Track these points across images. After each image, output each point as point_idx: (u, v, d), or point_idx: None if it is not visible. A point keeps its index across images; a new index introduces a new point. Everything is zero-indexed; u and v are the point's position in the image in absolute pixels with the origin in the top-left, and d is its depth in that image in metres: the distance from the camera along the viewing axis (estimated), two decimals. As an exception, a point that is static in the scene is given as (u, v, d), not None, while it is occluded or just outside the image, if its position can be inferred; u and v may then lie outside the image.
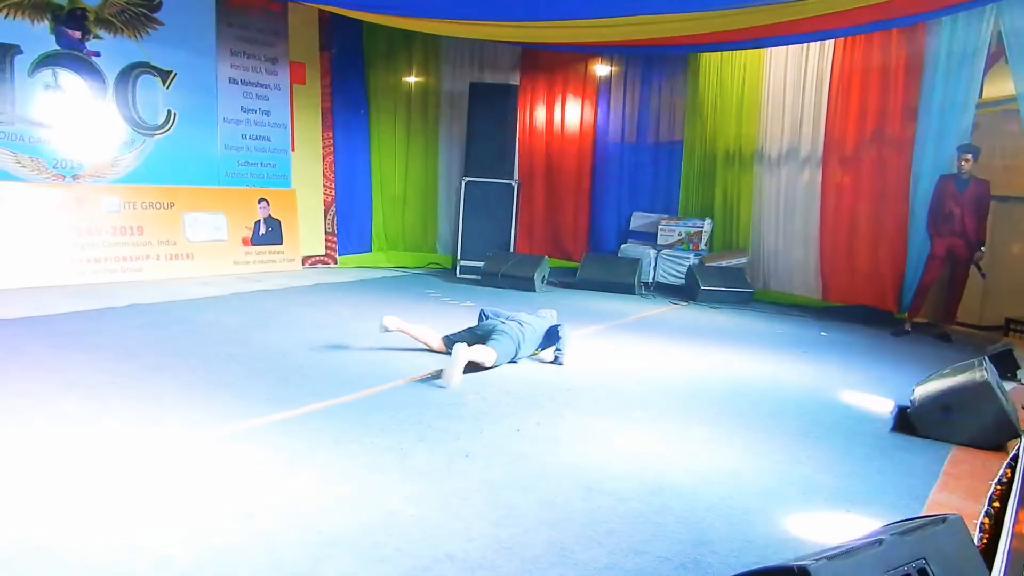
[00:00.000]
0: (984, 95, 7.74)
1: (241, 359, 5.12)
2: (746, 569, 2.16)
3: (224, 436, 3.68)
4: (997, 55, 7.59)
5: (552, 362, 5.52)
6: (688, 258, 9.61)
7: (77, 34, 7.78)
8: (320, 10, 9.66)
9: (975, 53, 7.53)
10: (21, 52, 7.42)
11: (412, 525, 2.89)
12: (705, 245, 9.83)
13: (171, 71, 8.57)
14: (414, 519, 2.94)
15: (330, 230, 10.33)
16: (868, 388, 5.46)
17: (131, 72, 8.25)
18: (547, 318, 5.87)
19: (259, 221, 9.31)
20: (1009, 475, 3.82)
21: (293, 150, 9.87)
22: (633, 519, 3.07)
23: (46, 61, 7.60)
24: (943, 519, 2.33)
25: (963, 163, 7.30)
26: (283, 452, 3.52)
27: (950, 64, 7.71)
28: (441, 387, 4.70)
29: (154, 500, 2.95)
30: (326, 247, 10.28)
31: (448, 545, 2.75)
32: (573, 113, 10.94)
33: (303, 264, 9.83)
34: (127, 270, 8.02)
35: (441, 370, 4.88)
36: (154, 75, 8.44)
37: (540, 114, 11.12)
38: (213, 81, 8.97)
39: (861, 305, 8.45)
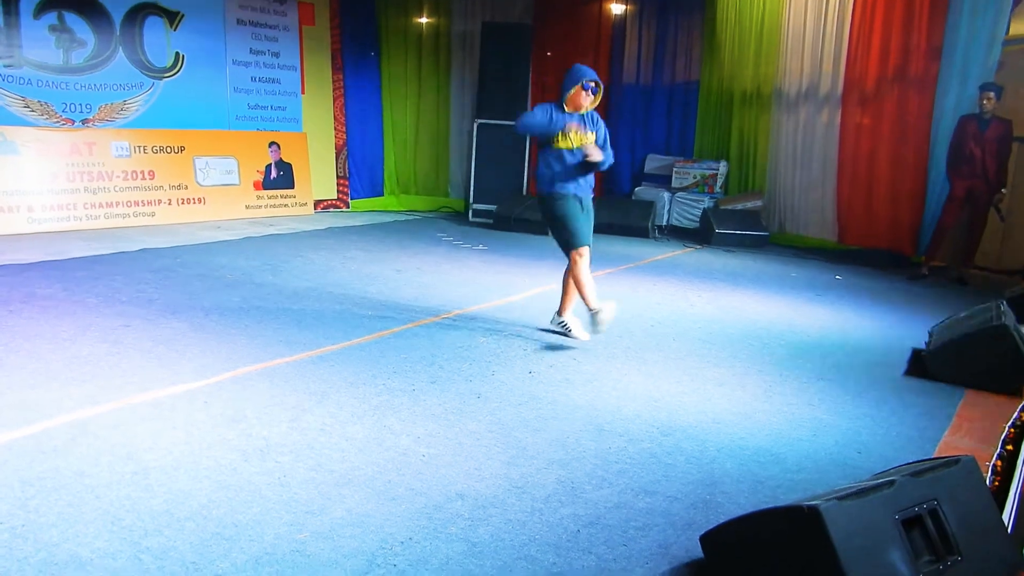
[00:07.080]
0: (1011, 32, 7.50)
1: (254, 302, 5.13)
2: (757, 509, 2.17)
3: (238, 377, 3.71)
4: (1027, -10, 7.34)
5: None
6: (703, 201, 9.50)
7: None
8: (328, -53, 9.44)
9: (1003, -11, 7.28)
10: (26, -7, 7.32)
11: (424, 465, 2.91)
12: (720, 188, 9.70)
13: (178, 12, 8.41)
14: (426, 459, 2.96)
15: (342, 174, 10.26)
16: (883, 331, 5.42)
17: (137, 13, 8.10)
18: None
19: (270, 165, 9.25)
20: (1023, 418, 3.81)
21: (303, 93, 9.74)
22: (644, 459, 3.09)
23: (51, 3, 7.47)
24: (956, 461, 2.33)
25: (984, 102, 7.11)
26: (296, 393, 3.55)
27: (976, 0, 7.45)
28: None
29: (169, 439, 2.98)
30: (338, 191, 10.22)
31: (460, 484, 2.78)
32: (587, 53, 10.69)
33: (315, 208, 9.80)
34: (139, 215, 8.01)
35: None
36: (161, 16, 8.30)
37: (554, 55, 10.89)
38: (221, 22, 8.81)
39: (878, 248, 8.33)
